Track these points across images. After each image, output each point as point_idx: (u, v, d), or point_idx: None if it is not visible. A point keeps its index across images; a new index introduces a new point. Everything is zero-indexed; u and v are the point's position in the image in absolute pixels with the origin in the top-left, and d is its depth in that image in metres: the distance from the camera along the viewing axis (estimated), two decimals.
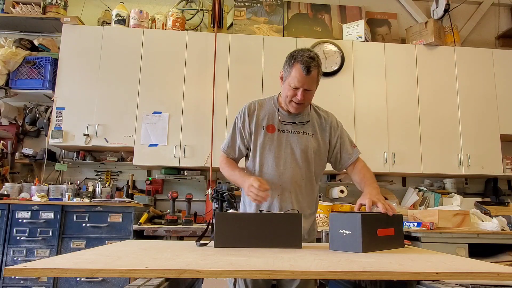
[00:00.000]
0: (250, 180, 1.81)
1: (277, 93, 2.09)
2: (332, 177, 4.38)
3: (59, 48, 4.13)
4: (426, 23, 4.48)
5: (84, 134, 3.88)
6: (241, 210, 2.12)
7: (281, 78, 1.98)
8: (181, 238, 3.40)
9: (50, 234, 3.41)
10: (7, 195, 3.61)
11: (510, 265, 2.97)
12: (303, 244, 1.62)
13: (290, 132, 2.00)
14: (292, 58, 1.89)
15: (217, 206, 3.32)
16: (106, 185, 4.12)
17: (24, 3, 4.19)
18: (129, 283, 1.05)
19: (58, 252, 3.39)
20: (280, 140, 1.99)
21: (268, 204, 1.95)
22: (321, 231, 3.34)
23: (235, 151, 2.07)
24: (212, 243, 1.60)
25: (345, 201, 4.27)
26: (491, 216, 3.56)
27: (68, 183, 3.98)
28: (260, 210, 1.93)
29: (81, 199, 3.63)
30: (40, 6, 4.19)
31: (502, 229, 3.29)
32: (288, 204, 1.93)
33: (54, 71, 4.06)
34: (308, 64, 1.84)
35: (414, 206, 4.25)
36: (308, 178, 1.99)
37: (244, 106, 2.07)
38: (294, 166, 1.97)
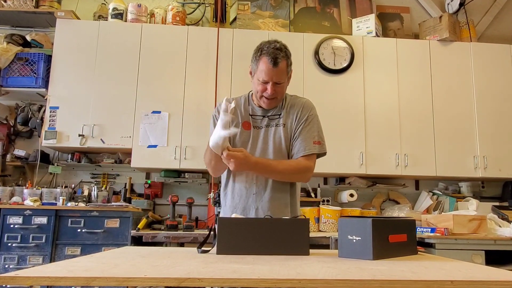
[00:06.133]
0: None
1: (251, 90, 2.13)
2: (341, 180, 4.37)
3: (52, 44, 4.13)
4: (440, 17, 4.47)
5: (79, 135, 3.89)
6: (221, 214, 2.16)
7: (250, 73, 2.04)
8: (181, 245, 3.40)
9: (44, 240, 3.42)
10: None
11: None
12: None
13: (264, 127, 2.05)
14: (259, 51, 1.93)
15: (219, 210, 3.32)
16: (103, 188, 4.12)
17: None
18: None
19: (52, 260, 3.40)
20: (255, 137, 2.04)
21: (243, 203, 1.98)
22: (329, 237, 3.36)
23: None
24: (214, 250, 1.60)
25: (355, 205, 4.25)
26: (509, 221, 3.55)
27: (62, 186, 3.98)
28: (267, 216, 1.94)
29: (76, 204, 3.63)
30: (32, 0, 4.20)
31: None
32: (264, 203, 1.95)
33: (47, 68, 4.07)
34: (275, 56, 1.87)
35: (427, 210, 4.23)
36: None
37: (219, 103, 2.09)
38: None
